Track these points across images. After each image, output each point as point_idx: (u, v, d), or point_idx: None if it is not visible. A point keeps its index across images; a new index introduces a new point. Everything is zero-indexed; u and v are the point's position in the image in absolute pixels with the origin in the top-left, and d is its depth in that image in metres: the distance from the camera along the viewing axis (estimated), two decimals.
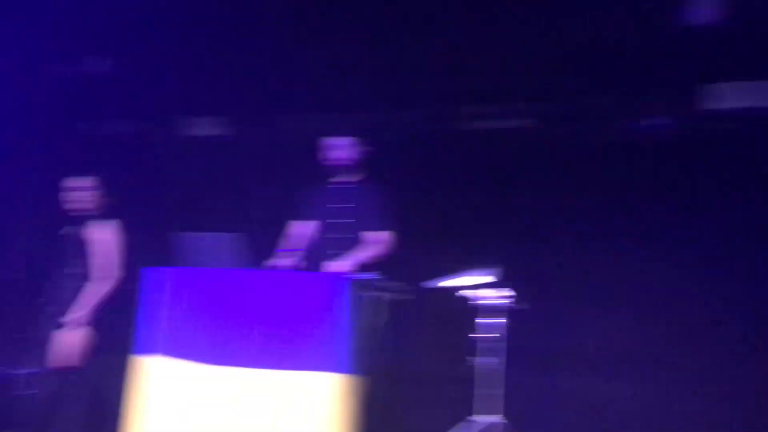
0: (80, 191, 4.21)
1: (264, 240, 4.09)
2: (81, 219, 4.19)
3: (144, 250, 4.13)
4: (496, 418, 4.22)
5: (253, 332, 3.48)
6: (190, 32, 5.27)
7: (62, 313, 4.03)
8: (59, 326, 4.01)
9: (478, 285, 4.32)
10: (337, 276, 3.66)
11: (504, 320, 4.26)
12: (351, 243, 4.05)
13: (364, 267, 3.92)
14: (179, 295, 3.67)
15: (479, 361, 4.28)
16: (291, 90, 5.60)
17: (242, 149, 6.00)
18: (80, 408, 3.99)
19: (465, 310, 4.35)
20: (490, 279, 4.30)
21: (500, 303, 4.27)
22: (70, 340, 3.97)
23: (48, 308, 4.15)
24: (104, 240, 4.11)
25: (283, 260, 4.06)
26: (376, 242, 4.06)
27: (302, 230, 4.27)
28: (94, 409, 3.97)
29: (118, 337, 3.83)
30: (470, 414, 4.27)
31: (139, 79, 5.78)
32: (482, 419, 4.23)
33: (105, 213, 4.22)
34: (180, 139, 6.23)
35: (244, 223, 4.33)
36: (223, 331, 3.53)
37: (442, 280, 4.48)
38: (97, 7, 5.10)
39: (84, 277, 4.06)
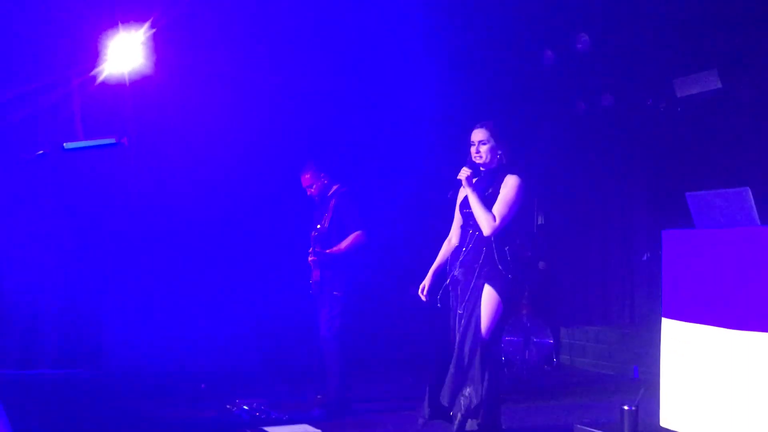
0: None
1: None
2: None
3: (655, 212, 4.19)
4: None
5: None
6: None
7: None
8: None
9: None
10: None
11: None
12: None
13: None
14: (696, 257, 3.60)
15: None
16: None
17: (737, 103, 5.64)
18: None
19: None
20: None
21: None
22: None
23: None
24: None
25: None
26: None
27: None
28: None
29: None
30: None
31: (619, 52, 5.87)
32: None
33: None
34: (669, 103, 6.13)
35: (747, 177, 4.04)
36: (739, 292, 3.34)
37: None
38: None
39: None
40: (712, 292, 3.45)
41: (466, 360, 3.71)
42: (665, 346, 3.68)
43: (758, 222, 3.38)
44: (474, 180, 3.86)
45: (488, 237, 3.78)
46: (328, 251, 4.67)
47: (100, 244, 6.19)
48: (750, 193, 3.45)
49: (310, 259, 4.73)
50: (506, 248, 3.81)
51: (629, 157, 6.93)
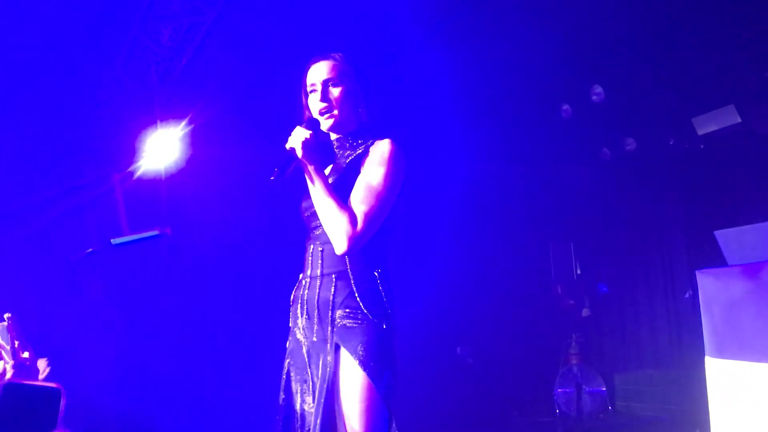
0: None
1: None
2: None
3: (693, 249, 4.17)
4: None
5: None
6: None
7: None
8: None
9: None
10: None
11: None
12: None
13: None
14: (731, 293, 3.63)
15: None
16: None
17: (755, 137, 5.71)
18: None
19: None
20: None
21: None
22: None
23: None
24: None
25: None
26: None
27: None
28: None
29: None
30: None
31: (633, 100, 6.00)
32: None
33: None
34: (692, 142, 6.21)
35: None
36: None
37: None
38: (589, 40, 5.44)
39: None
40: (750, 326, 3.47)
41: None
42: (711, 386, 3.68)
43: None
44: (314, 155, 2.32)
45: (344, 255, 2.28)
46: None
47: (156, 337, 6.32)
48: None
49: None
50: (376, 272, 2.29)
51: (660, 198, 6.98)
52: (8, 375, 1.85)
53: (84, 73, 5.13)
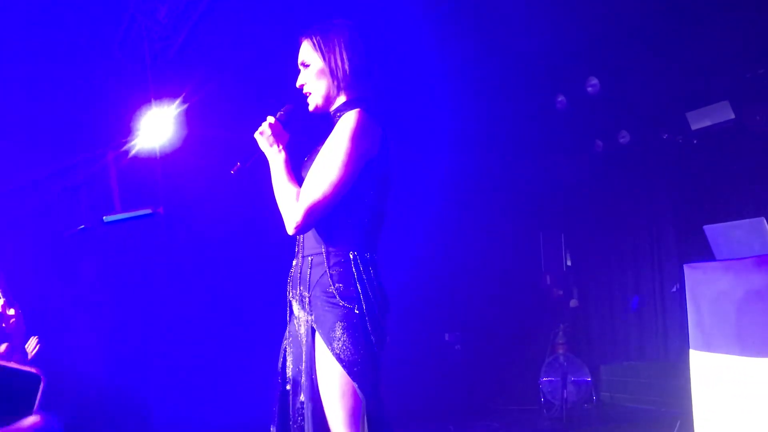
0: None
1: None
2: None
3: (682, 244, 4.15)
4: None
5: None
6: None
7: None
8: None
9: None
10: None
11: None
12: None
13: None
14: (717, 287, 3.67)
15: None
16: None
17: (748, 134, 5.75)
18: None
19: None
20: None
21: None
22: None
23: None
24: None
25: None
26: None
27: None
28: None
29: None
30: None
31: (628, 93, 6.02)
32: None
33: None
34: (685, 136, 6.25)
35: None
36: (761, 319, 3.41)
37: None
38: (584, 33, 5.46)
39: None
40: (735, 321, 3.51)
41: None
42: (695, 379, 3.72)
43: None
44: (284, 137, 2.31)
45: (306, 238, 2.27)
46: None
47: (144, 315, 6.33)
48: (765, 222, 3.55)
49: None
50: (351, 254, 2.20)
51: (652, 191, 7.02)
52: None
53: (80, 51, 5.10)
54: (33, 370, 1.26)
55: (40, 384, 1.28)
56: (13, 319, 1.97)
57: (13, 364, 1.28)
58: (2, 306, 2.56)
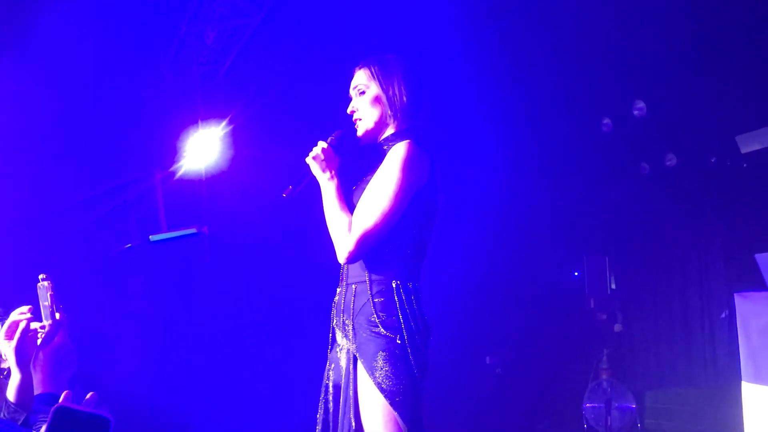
0: None
1: None
2: None
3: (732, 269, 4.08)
4: None
5: None
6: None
7: None
8: None
9: None
10: None
11: None
12: None
13: None
14: None
15: None
16: None
17: None
18: None
19: None
20: None
21: None
22: None
23: None
24: None
25: None
26: None
27: None
28: None
29: None
30: None
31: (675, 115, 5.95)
32: None
33: None
34: (734, 159, 6.14)
35: None
36: None
37: None
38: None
39: None
40: None
41: None
42: (747, 411, 3.63)
43: None
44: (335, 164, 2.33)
45: (350, 266, 2.29)
46: None
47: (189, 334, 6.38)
48: None
49: None
50: (395, 283, 2.21)
51: (699, 215, 6.88)
52: (40, 334, 1.92)
53: (130, 73, 5.23)
54: (105, 415, 1.29)
55: (110, 427, 1.30)
56: (63, 323, 1.99)
57: (84, 408, 1.30)
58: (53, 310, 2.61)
